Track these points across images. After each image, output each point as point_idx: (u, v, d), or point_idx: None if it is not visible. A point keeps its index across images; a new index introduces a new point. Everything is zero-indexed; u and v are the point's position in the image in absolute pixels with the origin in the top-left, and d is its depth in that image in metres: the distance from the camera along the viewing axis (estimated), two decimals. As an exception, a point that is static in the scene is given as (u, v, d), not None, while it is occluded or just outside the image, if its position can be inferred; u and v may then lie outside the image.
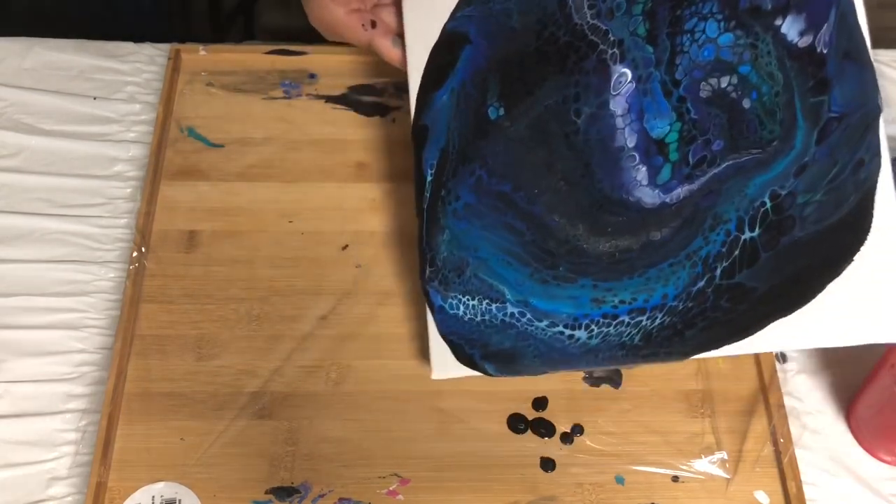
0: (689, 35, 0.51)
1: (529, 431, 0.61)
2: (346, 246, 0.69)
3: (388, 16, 0.61)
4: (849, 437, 0.63)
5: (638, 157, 0.52)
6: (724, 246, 0.51)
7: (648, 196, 0.52)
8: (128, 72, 0.80)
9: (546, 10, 0.55)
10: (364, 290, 0.67)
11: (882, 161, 0.52)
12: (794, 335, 0.54)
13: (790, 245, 0.50)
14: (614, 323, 0.53)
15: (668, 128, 0.51)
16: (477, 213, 0.54)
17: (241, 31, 1.34)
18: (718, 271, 0.51)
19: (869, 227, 0.51)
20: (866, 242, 0.51)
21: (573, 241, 0.53)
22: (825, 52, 0.50)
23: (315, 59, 0.76)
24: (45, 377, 0.63)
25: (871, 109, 0.51)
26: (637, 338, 0.54)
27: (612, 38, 0.52)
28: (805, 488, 0.59)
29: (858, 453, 0.63)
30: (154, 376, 0.63)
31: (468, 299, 0.54)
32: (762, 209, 0.50)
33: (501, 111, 0.54)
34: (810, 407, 0.64)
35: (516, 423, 0.62)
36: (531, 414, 0.62)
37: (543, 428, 0.61)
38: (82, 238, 0.70)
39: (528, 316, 0.54)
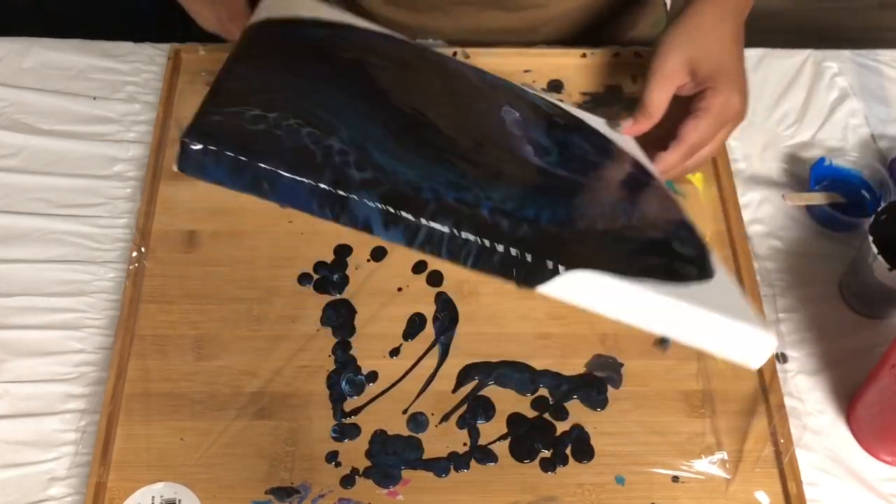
0: None
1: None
2: (346, 246, 0.69)
3: None
4: (849, 437, 0.63)
5: None
6: None
7: None
8: (127, 72, 0.80)
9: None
10: (364, 291, 0.67)
11: None
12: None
13: None
14: (469, 213, 0.43)
15: None
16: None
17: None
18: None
19: None
20: None
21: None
22: None
23: (315, 58, 0.76)
24: (45, 377, 0.63)
25: None
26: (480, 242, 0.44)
27: None
28: (805, 488, 0.59)
29: (858, 453, 0.63)
30: (154, 376, 0.63)
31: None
32: None
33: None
34: (810, 407, 0.64)
35: (517, 429, 0.62)
36: (531, 413, 0.62)
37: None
38: (82, 238, 0.70)
39: (352, 158, 0.44)
